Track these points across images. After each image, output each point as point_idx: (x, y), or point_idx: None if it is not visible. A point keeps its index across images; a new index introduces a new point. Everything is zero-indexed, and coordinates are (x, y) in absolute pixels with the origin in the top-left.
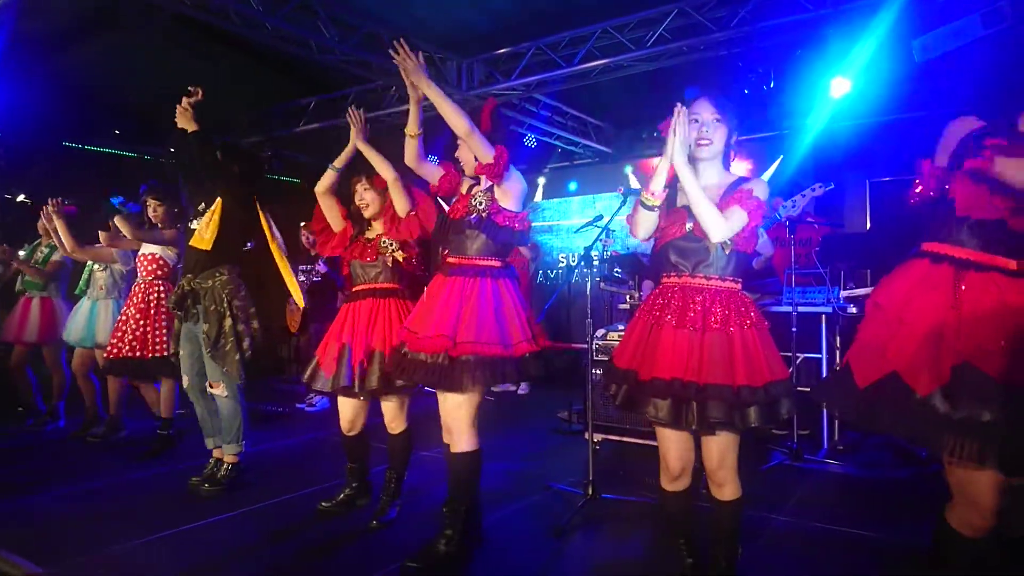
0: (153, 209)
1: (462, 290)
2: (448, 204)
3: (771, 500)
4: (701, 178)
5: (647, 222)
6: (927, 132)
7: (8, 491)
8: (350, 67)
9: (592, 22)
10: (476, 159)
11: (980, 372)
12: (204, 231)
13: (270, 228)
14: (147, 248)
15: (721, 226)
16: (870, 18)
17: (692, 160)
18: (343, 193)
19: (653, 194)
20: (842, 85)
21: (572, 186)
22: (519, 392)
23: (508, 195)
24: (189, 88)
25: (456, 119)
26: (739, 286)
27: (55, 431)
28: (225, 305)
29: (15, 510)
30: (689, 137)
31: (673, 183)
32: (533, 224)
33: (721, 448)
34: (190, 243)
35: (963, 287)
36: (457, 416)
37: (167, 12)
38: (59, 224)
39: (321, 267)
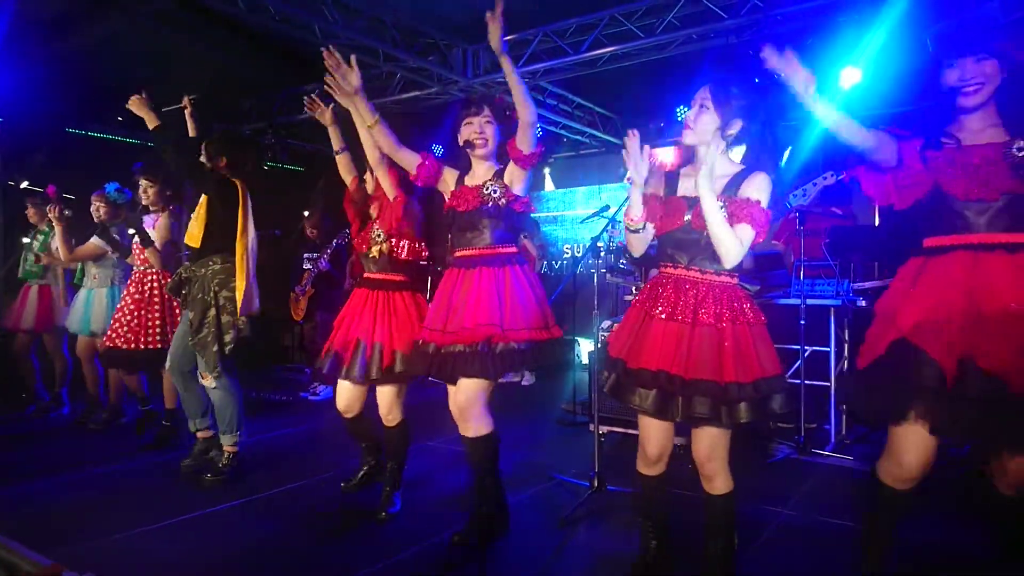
0: (144, 190)
1: (496, 279)
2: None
3: (777, 494)
4: (701, 166)
5: (638, 242)
6: (939, 124)
7: (12, 477)
8: (355, 52)
9: (600, 8)
10: (516, 144)
11: (914, 347)
12: (193, 228)
13: (245, 224)
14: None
15: (734, 252)
16: (882, 7)
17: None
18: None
19: (633, 220)
20: (852, 75)
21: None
22: (523, 383)
23: (519, 182)
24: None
25: (529, 104)
26: (735, 280)
27: (59, 417)
28: (212, 295)
29: (18, 496)
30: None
31: (672, 174)
32: (537, 215)
33: (710, 441)
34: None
35: (923, 272)
36: (476, 401)
37: None
38: (58, 231)
39: (323, 264)
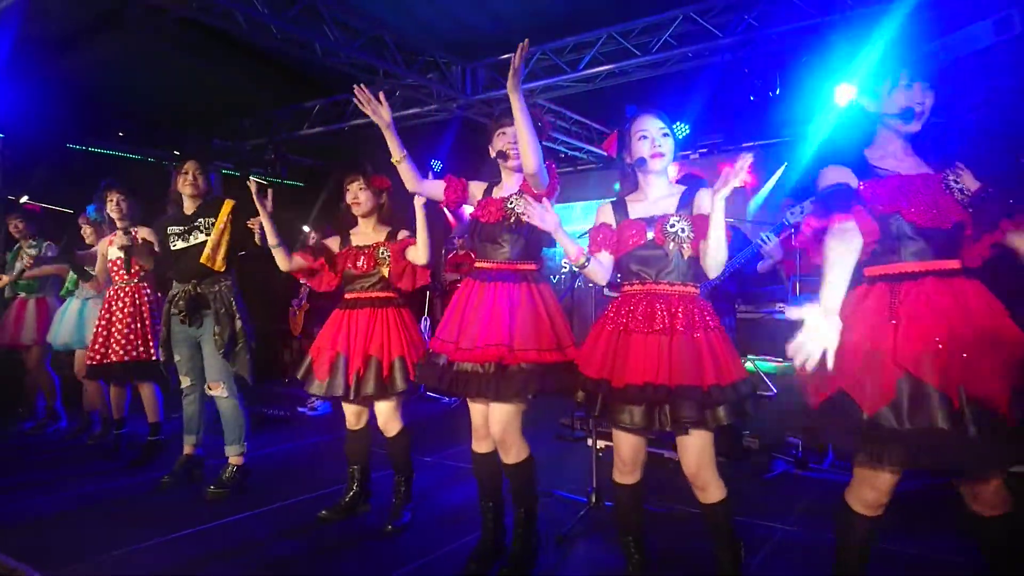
0: (117, 204)
1: (509, 296)
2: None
3: (775, 509)
4: (652, 190)
5: (596, 273)
6: (932, 141)
7: (9, 494)
8: (354, 71)
9: (597, 27)
10: (528, 186)
11: (919, 381)
12: (216, 253)
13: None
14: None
15: (721, 260)
16: (877, 25)
17: (645, 172)
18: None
19: (575, 261)
20: (847, 92)
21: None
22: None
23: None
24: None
25: (533, 154)
26: (698, 291)
27: (56, 432)
28: (234, 308)
29: (16, 513)
30: (640, 152)
31: (618, 202)
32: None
33: (697, 452)
34: (200, 260)
35: (899, 301)
36: (511, 427)
37: (172, 15)
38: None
39: None
